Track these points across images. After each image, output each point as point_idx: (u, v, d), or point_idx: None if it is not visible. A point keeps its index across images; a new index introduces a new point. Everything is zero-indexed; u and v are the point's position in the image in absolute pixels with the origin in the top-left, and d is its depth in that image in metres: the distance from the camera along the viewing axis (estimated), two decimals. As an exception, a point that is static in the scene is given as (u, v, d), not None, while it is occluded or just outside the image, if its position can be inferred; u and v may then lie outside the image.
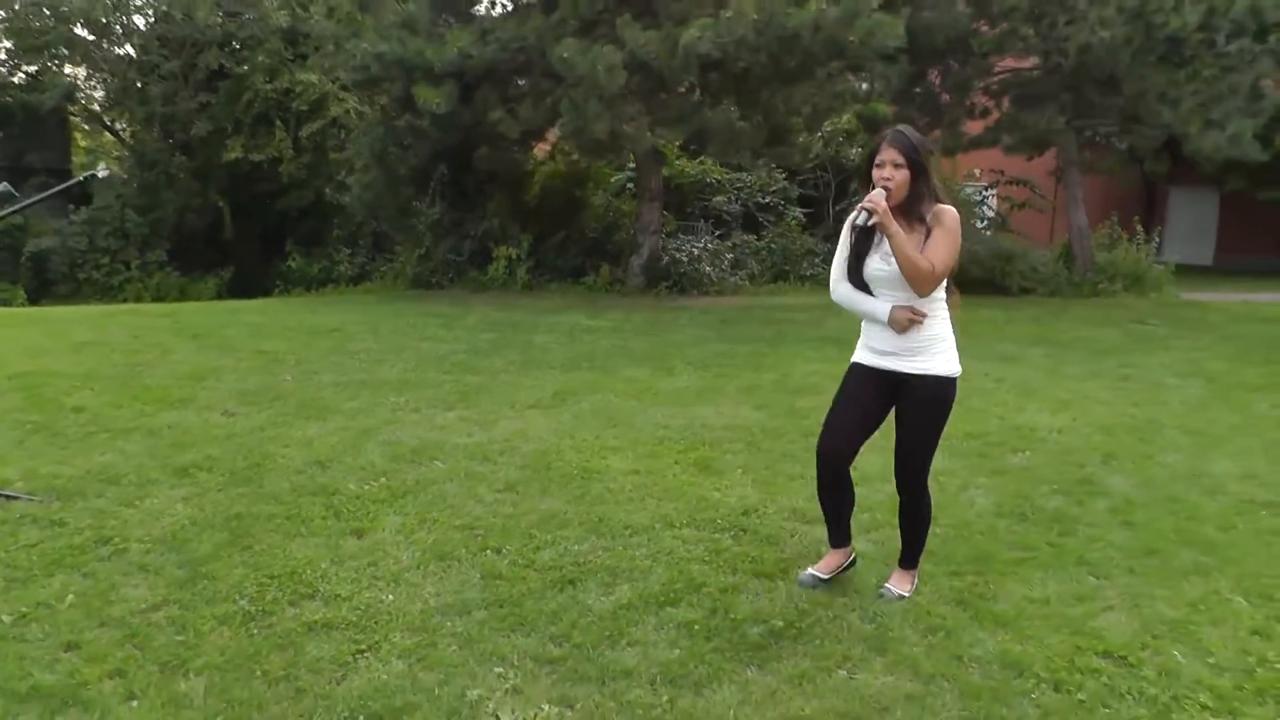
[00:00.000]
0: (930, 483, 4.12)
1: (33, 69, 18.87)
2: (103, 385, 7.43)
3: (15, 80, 19.01)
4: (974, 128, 15.94)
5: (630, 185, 17.79)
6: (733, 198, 18.90)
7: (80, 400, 6.97)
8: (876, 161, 3.77)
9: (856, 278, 3.94)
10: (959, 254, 3.87)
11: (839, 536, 4.26)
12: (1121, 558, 4.50)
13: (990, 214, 17.81)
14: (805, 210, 19.23)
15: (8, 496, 4.99)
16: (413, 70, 12.97)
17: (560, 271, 16.17)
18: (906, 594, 4.02)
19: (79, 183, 5.08)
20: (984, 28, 15.03)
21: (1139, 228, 16.35)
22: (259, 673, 3.38)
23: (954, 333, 3.95)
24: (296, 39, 18.01)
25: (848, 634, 3.68)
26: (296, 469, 5.58)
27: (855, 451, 4.07)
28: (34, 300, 17.53)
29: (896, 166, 3.74)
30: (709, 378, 8.39)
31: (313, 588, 4.04)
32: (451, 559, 4.34)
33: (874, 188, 3.75)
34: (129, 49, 19.17)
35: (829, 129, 18.64)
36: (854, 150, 18.86)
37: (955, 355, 3.92)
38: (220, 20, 18.10)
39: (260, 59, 17.98)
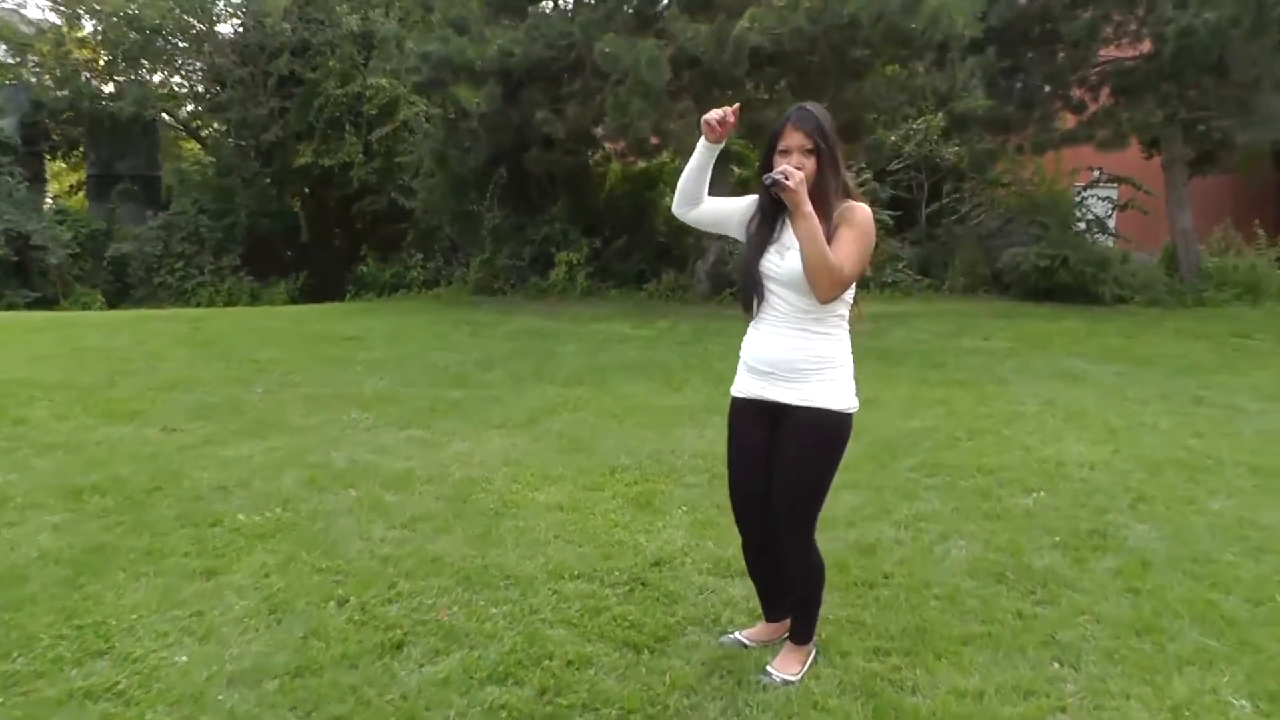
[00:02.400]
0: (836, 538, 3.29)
1: (121, 80, 19.21)
2: (66, 396, 7.10)
3: (106, 90, 19.38)
4: (1069, 123, 14.64)
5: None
6: (815, 200, 17.88)
7: (30, 412, 6.64)
8: (780, 148, 3.02)
9: (755, 263, 3.15)
10: (868, 258, 3.09)
11: (769, 609, 3.53)
12: (1105, 637, 3.58)
13: (1090, 216, 16.36)
14: (894, 213, 18.08)
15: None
16: (459, 70, 12.54)
17: (623, 277, 15.51)
18: (794, 678, 3.21)
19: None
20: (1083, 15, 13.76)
21: (1259, 231, 14.75)
22: (-26, 754, 2.82)
23: (851, 358, 3.16)
24: (371, 43, 17.84)
25: (693, 734, 2.91)
26: (197, 495, 5.06)
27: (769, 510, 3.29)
28: (113, 304, 17.76)
29: (806, 153, 2.99)
30: (716, 395, 7.59)
31: (110, 644, 3.48)
32: (287, 611, 3.73)
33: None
34: (210, 58, 19.34)
35: (921, 126, 17.50)
36: (950, 149, 17.64)
37: (850, 386, 3.15)
38: (289, 27, 18.05)
39: (331, 64, 17.87)
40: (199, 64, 19.80)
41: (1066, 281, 13.57)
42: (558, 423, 6.60)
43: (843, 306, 3.10)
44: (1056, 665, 3.39)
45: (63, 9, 19.21)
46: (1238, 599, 3.93)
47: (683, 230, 16.69)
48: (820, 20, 10.64)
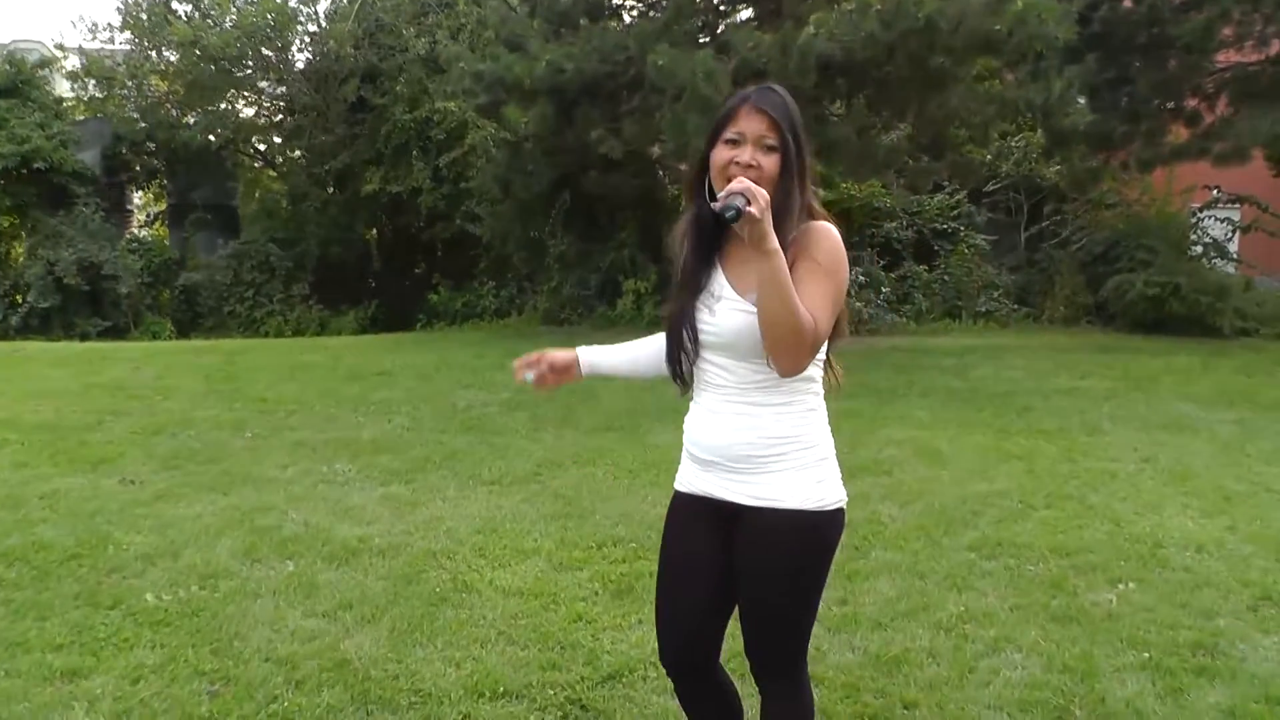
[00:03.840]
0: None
1: (198, 111, 19.09)
2: (40, 439, 6.54)
3: (186, 121, 19.29)
4: (1181, 137, 13.27)
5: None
6: (905, 223, 16.79)
7: (-9, 457, 6.08)
8: (728, 135, 2.11)
9: (683, 318, 2.24)
10: (842, 303, 2.16)
11: None
12: (1204, 822, 2.56)
13: (1207, 240, 14.86)
14: (991, 238, 16.85)
15: None
16: (510, 89, 11.87)
17: (694, 307, 14.61)
18: None
19: None
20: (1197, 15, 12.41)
21: None
22: None
23: (828, 432, 2.23)
24: (439, 67, 17.38)
25: None
26: (115, 566, 4.35)
27: (715, 644, 2.35)
28: (183, 333, 17.58)
29: (767, 149, 2.09)
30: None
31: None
32: (130, 737, 2.96)
33: (710, 190, 2.12)
34: (286, 85, 19.18)
35: (1019, 143, 16.26)
36: (1051, 168, 16.32)
37: (830, 472, 2.20)
38: (355, 52, 17.77)
39: (399, 89, 17.47)
40: (273, 92, 19.63)
41: (1179, 312, 12.22)
42: (561, 479, 5.73)
43: (811, 367, 2.18)
44: None
45: (144, 43, 19.24)
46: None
47: (759, 256, 15.77)
48: (894, 25, 9.63)
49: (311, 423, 7.20)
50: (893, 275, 15.56)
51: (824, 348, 2.16)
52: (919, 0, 9.53)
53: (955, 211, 16.75)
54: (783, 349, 2.02)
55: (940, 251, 16.39)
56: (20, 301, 17.20)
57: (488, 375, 9.65)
